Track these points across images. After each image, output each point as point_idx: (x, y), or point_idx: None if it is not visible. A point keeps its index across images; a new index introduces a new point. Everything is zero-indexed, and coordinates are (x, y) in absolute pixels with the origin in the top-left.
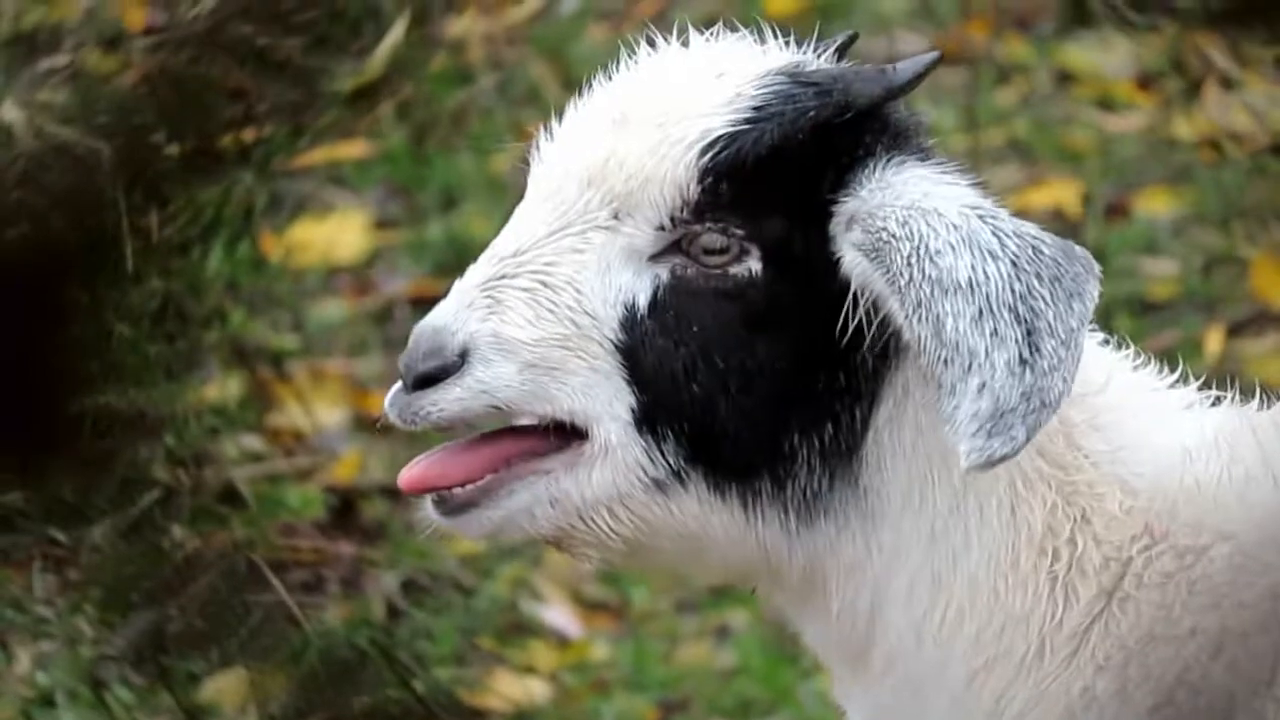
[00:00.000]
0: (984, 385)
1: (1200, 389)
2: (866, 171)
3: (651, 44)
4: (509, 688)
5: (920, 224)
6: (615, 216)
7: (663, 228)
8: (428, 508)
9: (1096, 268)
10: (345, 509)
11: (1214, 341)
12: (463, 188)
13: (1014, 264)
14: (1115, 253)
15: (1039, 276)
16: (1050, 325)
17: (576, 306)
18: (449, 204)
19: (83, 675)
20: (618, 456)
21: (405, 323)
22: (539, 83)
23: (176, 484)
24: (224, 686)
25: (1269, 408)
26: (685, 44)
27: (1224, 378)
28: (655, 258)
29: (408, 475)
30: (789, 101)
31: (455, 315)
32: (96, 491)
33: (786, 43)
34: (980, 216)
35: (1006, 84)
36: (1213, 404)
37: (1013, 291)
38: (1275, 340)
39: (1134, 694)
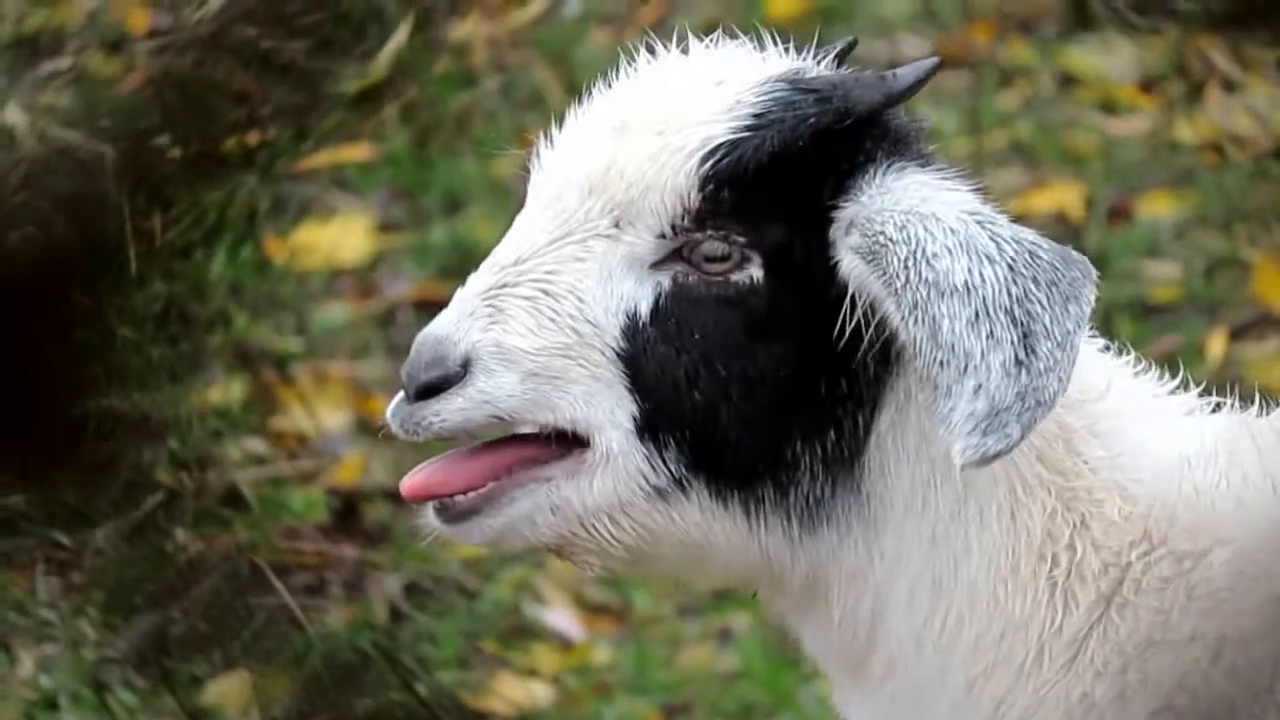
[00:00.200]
0: (980, 387)
1: (1201, 394)
2: (867, 177)
3: (651, 51)
4: (511, 690)
5: (918, 228)
6: (616, 225)
7: (664, 236)
8: (429, 515)
9: (1093, 272)
10: (348, 512)
11: (1216, 345)
12: (466, 191)
13: (1011, 268)
14: (1117, 256)
15: (1036, 280)
16: (1046, 328)
17: (578, 315)
18: (452, 207)
19: (85, 678)
20: (619, 464)
21: (408, 326)
22: (542, 86)
23: (179, 487)
24: (227, 689)
25: (1269, 414)
26: (685, 51)
27: (1226, 382)
28: (656, 265)
29: (410, 483)
30: (789, 108)
31: (457, 325)
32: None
33: (786, 49)
34: (978, 221)
35: (1009, 87)
36: (1213, 410)
37: (1009, 295)
38: (1277, 344)
39: (1133, 699)
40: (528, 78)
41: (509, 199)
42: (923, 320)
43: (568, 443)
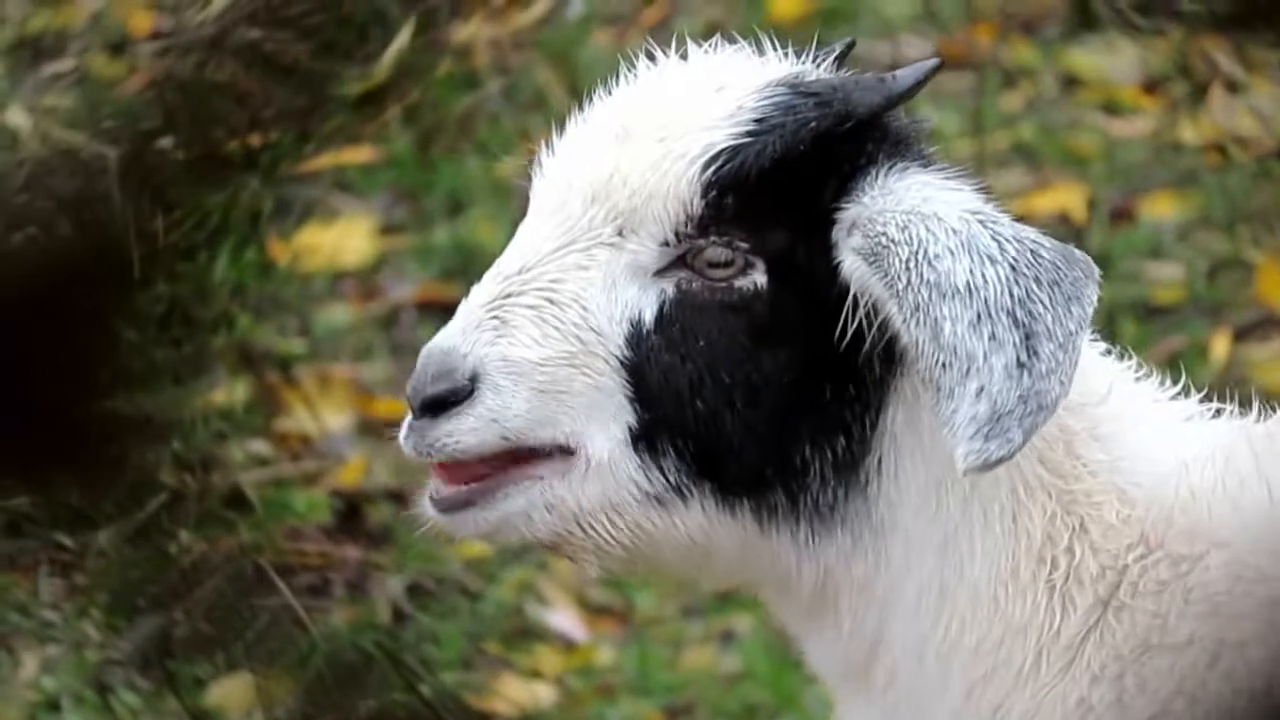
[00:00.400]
0: (982, 389)
1: (1203, 399)
2: (868, 179)
3: (651, 57)
4: (514, 692)
5: (919, 229)
6: (620, 233)
7: (667, 243)
8: (425, 503)
9: (1096, 272)
10: (351, 513)
11: (1219, 346)
12: (469, 193)
13: (1013, 268)
14: (1120, 257)
15: (1038, 281)
16: (1048, 329)
17: (582, 323)
18: (455, 209)
19: (88, 679)
20: (606, 472)
21: (411, 327)
22: (545, 88)
23: (183, 488)
24: (230, 690)
25: (1268, 419)
26: (684, 57)
27: (1229, 383)
28: (660, 273)
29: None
30: (790, 113)
31: (463, 336)
32: (103, 496)
33: (786, 53)
34: (980, 221)
35: (1012, 88)
36: (1213, 416)
37: (1011, 296)
38: None
39: (1131, 704)
40: (530, 79)
41: (511, 200)
42: (924, 322)
43: (561, 449)
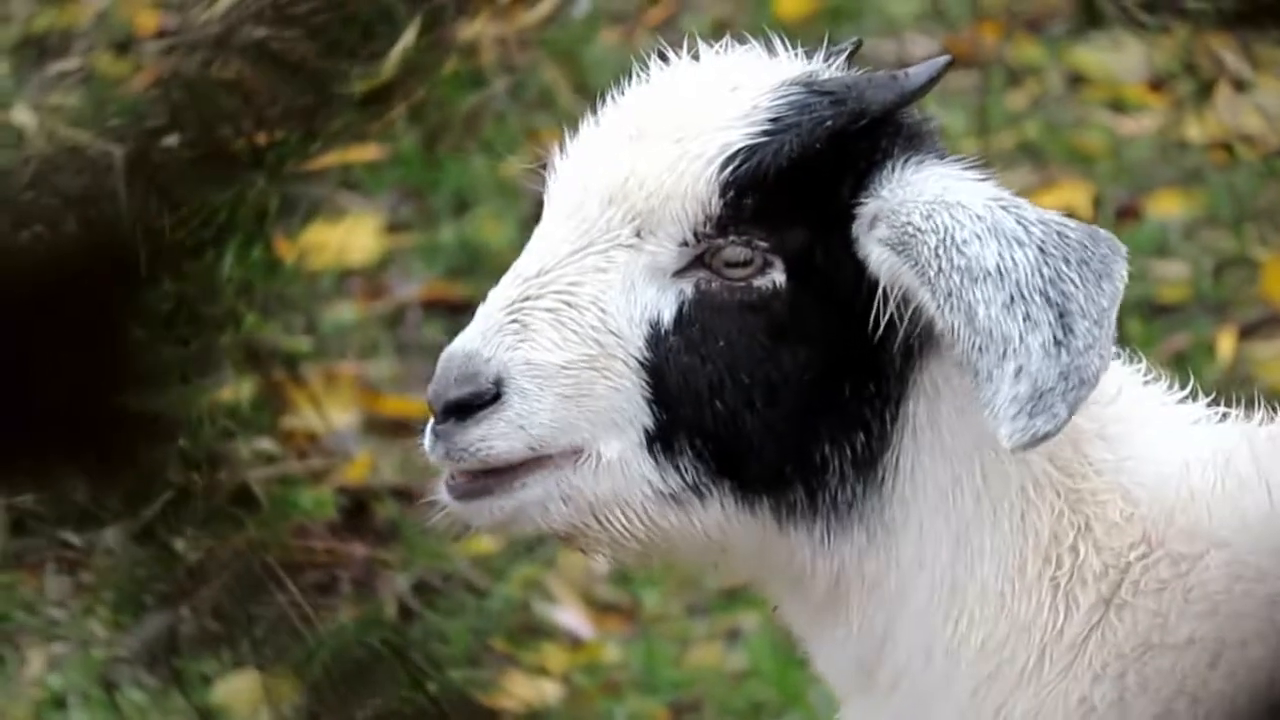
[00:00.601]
0: (1020, 369)
1: (1210, 402)
2: (885, 173)
3: (663, 57)
4: (521, 689)
5: (944, 216)
6: (638, 234)
7: (686, 243)
8: (441, 490)
9: (1122, 249)
10: (357, 510)
11: (1225, 345)
12: (475, 191)
13: (1041, 249)
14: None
15: (1066, 260)
16: (1082, 306)
17: (601, 326)
18: (461, 207)
19: (95, 677)
20: (618, 471)
21: (417, 326)
22: (551, 86)
23: (190, 486)
24: (236, 688)
25: (1273, 422)
26: (696, 57)
27: (1235, 381)
28: (679, 274)
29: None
30: (805, 112)
31: (484, 340)
32: (109, 494)
33: (796, 52)
34: (1002, 206)
35: (1017, 86)
36: (1220, 420)
37: (1042, 276)
38: None
39: (1132, 704)
40: (536, 78)
41: (518, 199)
42: (958, 307)
43: (575, 449)
